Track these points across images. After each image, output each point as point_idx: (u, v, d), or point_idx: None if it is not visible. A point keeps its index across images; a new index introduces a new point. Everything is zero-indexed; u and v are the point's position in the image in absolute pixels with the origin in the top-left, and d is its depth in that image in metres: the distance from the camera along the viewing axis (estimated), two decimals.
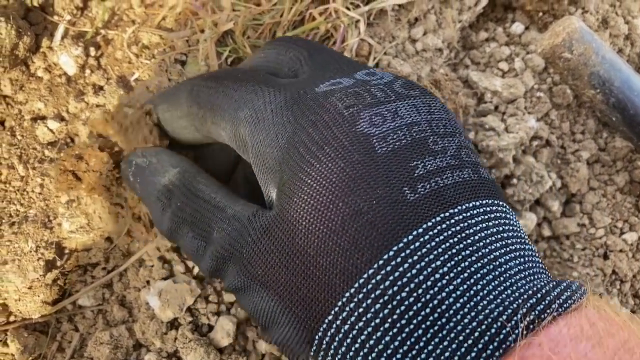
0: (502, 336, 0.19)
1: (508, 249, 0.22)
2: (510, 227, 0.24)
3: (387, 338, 0.20)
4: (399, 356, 0.20)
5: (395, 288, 0.21)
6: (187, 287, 0.40)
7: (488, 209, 0.23)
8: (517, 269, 0.22)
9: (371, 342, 0.21)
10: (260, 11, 0.46)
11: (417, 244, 0.21)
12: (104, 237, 0.41)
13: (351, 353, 0.21)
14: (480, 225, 0.22)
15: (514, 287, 0.21)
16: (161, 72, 0.44)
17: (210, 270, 0.28)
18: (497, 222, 0.23)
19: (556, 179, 0.50)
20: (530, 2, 0.55)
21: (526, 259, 0.23)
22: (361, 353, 0.21)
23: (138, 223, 0.39)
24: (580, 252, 0.50)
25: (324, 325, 0.22)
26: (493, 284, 0.21)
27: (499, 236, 0.23)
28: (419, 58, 0.51)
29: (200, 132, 0.32)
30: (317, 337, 0.23)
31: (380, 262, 0.21)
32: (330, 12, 0.48)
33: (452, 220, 0.22)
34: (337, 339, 0.22)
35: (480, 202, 0.23)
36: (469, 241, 0.22)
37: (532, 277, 0.22)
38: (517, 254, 0.23)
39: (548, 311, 0.20)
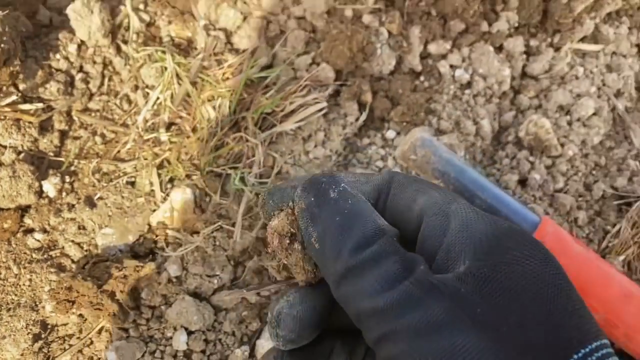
0: None
1: None
2: None
3: None
4: None
5: None
6: (136, 345, 0.55)
7: None
8: None
9: None
10: (189, 142, 0.65)
11: None
12: (77, 314, 0.57)
13: None
14: None
15: None
16: (117, 192, 0.61)
17: None
18: None
19: None
20: (397, 115, 0.75)
21: None
22: None
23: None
24: None
25: None
26: None
27: None
28: (312, 164, 0.69)
29: None
30: None
31: None
32: (241, 137, 0.67)
33: None
34: None
35: None
36: None
37: None
38: None
39: None
